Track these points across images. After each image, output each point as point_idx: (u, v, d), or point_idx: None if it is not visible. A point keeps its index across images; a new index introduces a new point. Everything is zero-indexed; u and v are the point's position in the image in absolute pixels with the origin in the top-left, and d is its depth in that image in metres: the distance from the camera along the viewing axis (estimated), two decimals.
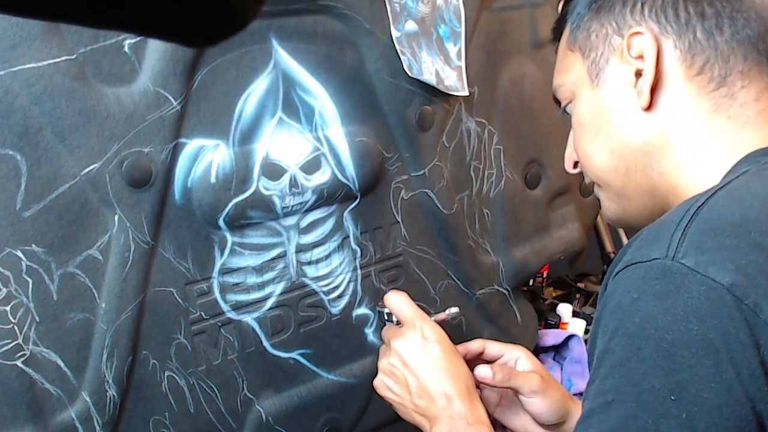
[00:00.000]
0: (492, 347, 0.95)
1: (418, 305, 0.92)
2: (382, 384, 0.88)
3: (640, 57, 0.68)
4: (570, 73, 0.76)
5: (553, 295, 1.64)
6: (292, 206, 0.93)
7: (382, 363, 0.88)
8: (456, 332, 1.17)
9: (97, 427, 0.82)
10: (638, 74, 0.68)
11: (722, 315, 0.50)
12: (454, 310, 0.91)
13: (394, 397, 0.87)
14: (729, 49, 0.66)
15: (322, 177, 0.94)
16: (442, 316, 0.90)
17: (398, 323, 0.93)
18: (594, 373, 0.57)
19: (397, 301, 0.91)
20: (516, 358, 0.93)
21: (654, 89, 0.67)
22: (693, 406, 0.50)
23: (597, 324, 0.60)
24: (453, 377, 0.83)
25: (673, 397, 0.51)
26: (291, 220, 0.94)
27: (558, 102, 0.81)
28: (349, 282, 1.03)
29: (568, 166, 0.83)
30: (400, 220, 1.06)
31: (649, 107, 0.68)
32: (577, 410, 0.89)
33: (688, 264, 0.52)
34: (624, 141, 0.71)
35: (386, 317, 0.95)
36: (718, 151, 0.66)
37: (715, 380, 0.50)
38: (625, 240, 1.65)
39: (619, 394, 0.53)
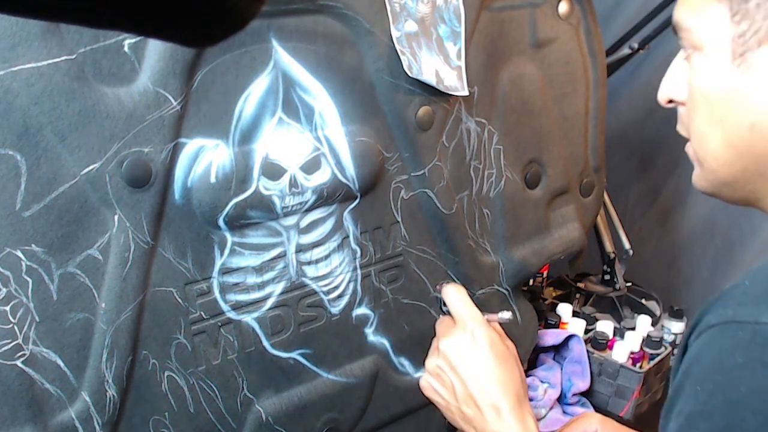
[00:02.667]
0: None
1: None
2: (428, 386, 0.84)
3: None
4: (708, 26, 0.63)
5: (553, 295, 1.64)
6: (292, 206, 0.93)
7: (430, 363, 0.84)
8: None
9: (97, 427, 0.82)
10: None
11: None
12: (507, 315, 0.85)
13: (440, 401, 0.83)
14: None
15: (322, 177, 0.94)
16: (493, 317, 0.84)
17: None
18: (683, 431, 0.54)
19: (452, 296, 0.84)
20: (593, 430, 0.91)
21: None
22: None
23: (685, 377, 0.55)
24: (503, 387, 0.77)
25: None
26: (291, 220, 0.94)
27: (675, 32, 0.69)
28: (349, 282, 1.03)
29: (662, 100, 0.72)
30: (400, 220, 1.06)
31: None
32: None
33: None
34: (750, 142, 0.62)
35: (441, 306, 0.89)
36: None
37: None
38: (625, 240, 1.65)
39: None
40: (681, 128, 0.70)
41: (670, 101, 0.71)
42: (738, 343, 0.51)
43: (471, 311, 0.83)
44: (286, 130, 0.91)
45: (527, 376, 1.41)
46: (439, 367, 0.82)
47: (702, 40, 0.64)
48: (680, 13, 0.66)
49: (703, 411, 0.52)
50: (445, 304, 0.88)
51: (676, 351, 0.67)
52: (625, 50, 1.61)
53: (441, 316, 0.90)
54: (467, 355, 0.79)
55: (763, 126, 0.61)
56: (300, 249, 0.97)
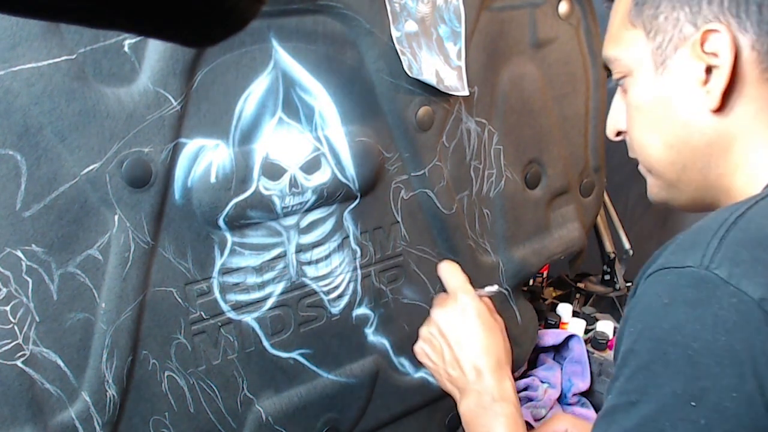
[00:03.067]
0: None
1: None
2: (421, 351, 0.90)
3: (714, 54, 0.63)
4: (629, 50, 0.71)
5: (553, 295, 1.64)
6: (292, 206, 0.93)
7: (423, 331, 0.90)
8: None
9: (97, 427, 0.82)
10: (708, 70, 0.64)
11: (750, 328, 0.51)
12: (494, 288, 0.93)
13: (431, 364, 0.89)
14: None
15: (322, 177, 0.94)
16: (483, 292, 0.91)
17: None
18: (618, 371, 0.58)
19: (446, 271, 0.91)
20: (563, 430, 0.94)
21: (725, 91, 0.64)
22: (713, 414, 0.51)
23: (625, 322, 0.60)
24: (486, 351, 0.84)
25: (693, 403, 0.52)
26: (291, 220, 0.94)
27: (608, 71, 0.76)
28: (349, 282, 1.03)
29: (611, 134, 0.79)
30: (400, 220, 1.06)
31: (718, 109, 0.65)
32: None
33: (721, 275, 0.53)
34: (685, 139, 0.68)
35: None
36: None
37: (737, 390, 0.51)
38: (625, 240, 1.65)
39: (642, 395, 0.54)
40: (632, 153, 0.76)
41: (618, 133, 0.78)
42: (665, 286, 0.56)
43: (462, 284, 0.89)
44: (286, 130, 0.90)
45: (527, 376, 1.41)
46: (431, 333, 0.89)
47: (629, 64, 0.71)
48: (606, 49, 0.74)
49: (633, 349, 0.57)
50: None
51: None
52: None
53: (440, 293, 0.95)
54: (456, 323, 0.87)
55: (693, 121, 0.67)
56: (300, 249, 0.97)
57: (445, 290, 0.92)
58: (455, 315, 0.87)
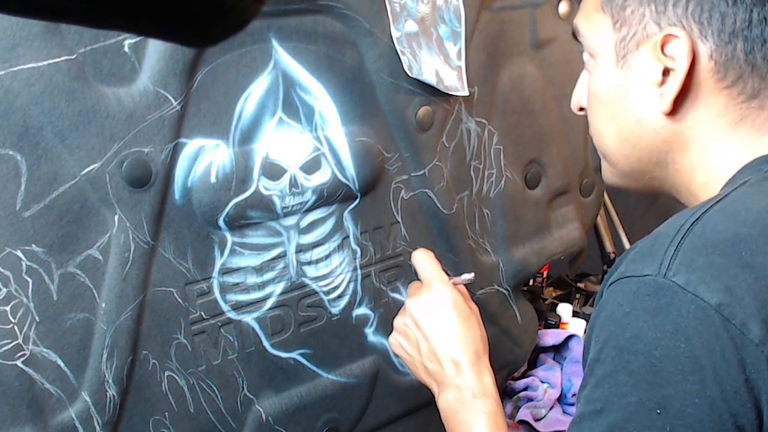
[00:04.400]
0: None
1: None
2: (396, 342, 0.89)
3: (672, 58, 0.64)
4: (596, 35, 0.71)
5: (553, 295, 1.64)
6: (292, 206, 0.93)
7: (397, 321, 0.88)
8: None
9: (97, 427, 0.82)
10: (666, 72, 0.65)
11: (709, 334, 0.52)
12: (470, 276, 0.90)
13: (406, 356, 0.87)
14: (767, 66, 0.63)
15: (322, 177, 0.94)
16: (458, 280, 0.89)
17: None
18: (585, 379, 0.59)
19: (420, 259, 0.89)
20: None
21: (678, 95, 0.65)
22: (677, 420, 0.52)
23: (591, 331, 0.61)
24: (464, 343, 0.82)
25: (658, 411, 0.52)
26: (291, 220, 0.94)
27: (575, 38, 0.76)
28: (349, 282, 1.03)
29: (574, 108, 0.79)
30: (400, 220, 1.06)
31: (670, 113, 0.66)
32: None
33: (678, 282, 0.53)
34: (640, 135, 0.69)
35: (415, 272, 0.93)
36: (735, 159, 0.65)
37: (700, 396, 0.51)
38: (625, 241, 1.65)
39: (608, 404, 0.55)
40: (591, 130, 0.76)
41: (581, 108, 0.78)
42: (626, 295, 0.56)
43: (436, 273, 0.87)
44: (287, 130, 0.91)
45: (527, 376, 1.41)
46: (405, 324, 0.86)
47: (594, 47, 0.71)
48: (578, 20, 0.74)
49: (599, 358, 0.57)
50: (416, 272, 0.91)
51: None
52: None
53: (415, 279, 0.93)
54: (431, 313, 0.84)
55: (648, 120, 0.67)
56: (300, 249, 0.97)
57: (419, 279, 0.90)
58: (430, 305, 0.84)
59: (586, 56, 0.74)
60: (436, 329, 0.83)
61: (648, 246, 0.59)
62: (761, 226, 0.56)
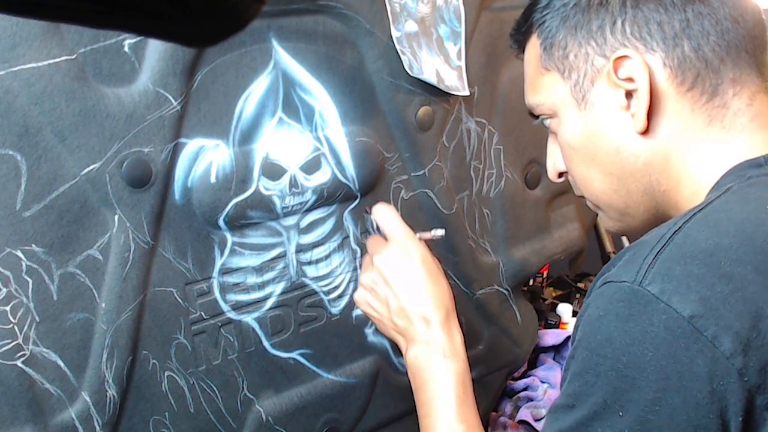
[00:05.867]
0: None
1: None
2: (363, 299, 0.88)
3: (630, 79, 0.65)
4: (549, 93, 0.73)
5: (553, 295, 1.64)
6: (292, 206, 0.93)
7: (364, 277, 0.87)
8: None
9: (97, 427, 0.82)
10: (628, 95, 0.66)
11: (678, 345, 0.52)
12: (440, 231, 0.88)
13: (374, 313, 0.86)
14: (718, 59, 0.65)
15: (322, 177, 0.94)
16: (427, 235, 0.87)
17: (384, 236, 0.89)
18: (564, 373, 0.61)
19: (384, 214, 0.87)
20: None
21: (648, 111, 0.66)
22: (636, 425, 0.53)
23: (575, 329, 0.63)
24: (434, 300, 0.82)
25: (621, 413, 0.54)
26: (291, 220, 0.94)
27: (533, 116, 0.78)
28: (349, 282, 1.03)
29: (553, 177, 0.80)
30: None
31: (645, 131, 0.66)
32: None
33: (652, 291, 0.54)
34: (622, 164, 0.69)
35: (372, 226, 0.91)
36: (715, 164, 0.66)
37: (661, 404, 0.53)
38: (625, 241, 1.65)
39: (577, 401, 0.57)
40: (577, 191, 0.77)
41: (560, 174, 0.79)
42: (603, 299, 0.58)
43: (404, 229, 0.86)
44: (287, 130, 0.91)
45: (527, 376, 1.41)
46: (373, 281, 0.85)
47: (551, 107, 0.73)
48: (527, 99, 0.76)
49: (573, 356, 0.59)
50: (374, 226, 0.90)
51: None
52: None
53: (371, 235, 0.92)
54: (400, 270, 0.83)
55: (625, 147, 0.68)
56: (300, 249, 0.97)
57: (373, 230, 0.89)
58: (398, 260, 0.83)
59: (548, 122, 0.75)
60: (406, 286, 0.82)
61: (631, 253, 0.59)
62: (742, 237, 0.56)
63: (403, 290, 0.83)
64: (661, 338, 0.53)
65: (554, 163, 0.79)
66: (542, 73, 0.73)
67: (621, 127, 0.68)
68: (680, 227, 0.58)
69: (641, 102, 0.65)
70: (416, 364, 0.81)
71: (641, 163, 0.68)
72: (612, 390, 0.54)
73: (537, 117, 0.77)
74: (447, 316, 0.83)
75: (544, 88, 0.73)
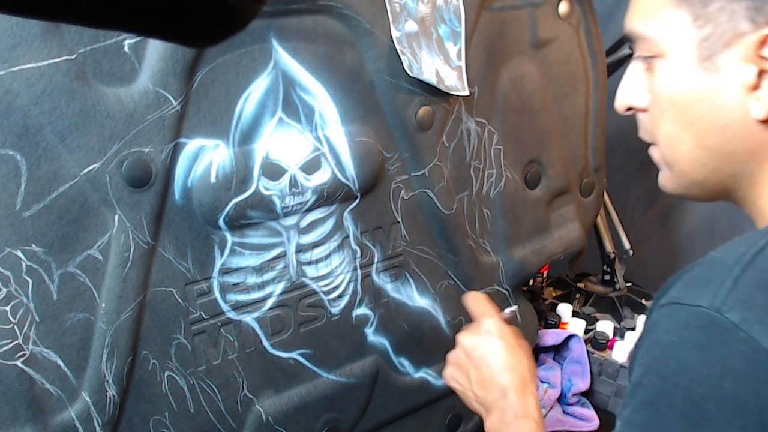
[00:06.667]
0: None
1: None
2: (449, 374, 0.91)
3: None
4: (669, 32, 0.62)
5: (553, 295, 1.64)
6: (292, 206, 0.93)
7: (450, 355, 0.91)
8: (457, 331, 1.17)
9: (97, 427, 0.82)
10: (760, 74, 0.59)
11: (759, 379, 0.49)
12: (513, 308, 0.94)
13: (459, 387, 0.89)
14: None
15: (322, 177, 0.94)
16: (504, 314, 0.93)
17: None
18: (627, 399, 0.57)
19: (471, 299, 0.92)
20: None
21: None
22: None
23: (637, 351, 0.59)
24: (510, 370, 0.84)
25: None
26: (291, 220, 0.94)
27: (629, 40, 0.68)
28: (349, 282, 1.03)
29: (620, 108, 0.71)
30: (400, 220, 1.06)
31: (766, 119, 0.59)
32: None
33: (732, 319, 0.51)
34: (723, 143, 0.62)
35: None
36: None
37: None
38: (625, 240, 1.65)
39: (646, 431, 0.54)
40: (644, 134, 0.70)
41: (629, 108, 0.71)
42: (676, 323, 0.54)
43: (485, 308, 0.89)
44: (286, 130, 0.90)
45: None
46: (457, 357, 0.89)
47: (663, 46, 0.63)
48: (634, 23, 0.66)
49: (641, 382, 0.56)
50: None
51: None
52: (625, 50, 1.61)
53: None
54: (480, 344, 0.86)
55: (735, 126, 0.61)
56: (300, 249, 0.97)
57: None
58: (479, 336, 0.87)
59: (644, 56, 0.66)
60: (485, 358, 0.85)
61: (705, 272, 0.55)
62: None
63: (481, 362, 0.85)
64: (741, 370, 0.50)
65: (630, 95, 0.69)
66: (668, 6, 0.62)
67: (737, 107, 0.60)
68: (761, 249, 0.54)
69: None
70: (491, 429, 0.83)
71: (744, 149, 0.62)
72: (686, 422, 0.51)
73: (629, 44, 0.68)
74: (522, 384, 0.83)
75: (665, 23, 0.63)
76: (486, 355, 0.86)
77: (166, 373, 0.88)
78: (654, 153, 0.70)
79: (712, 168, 0.64)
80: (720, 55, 0.60)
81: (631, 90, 0.69)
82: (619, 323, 1.51)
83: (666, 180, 0.70)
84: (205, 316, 0.90)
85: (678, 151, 0.66)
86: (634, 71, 0.69)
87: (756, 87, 0.59)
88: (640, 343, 0.59)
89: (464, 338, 0.89)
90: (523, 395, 0.82)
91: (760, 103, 0.59)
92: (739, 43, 0.59)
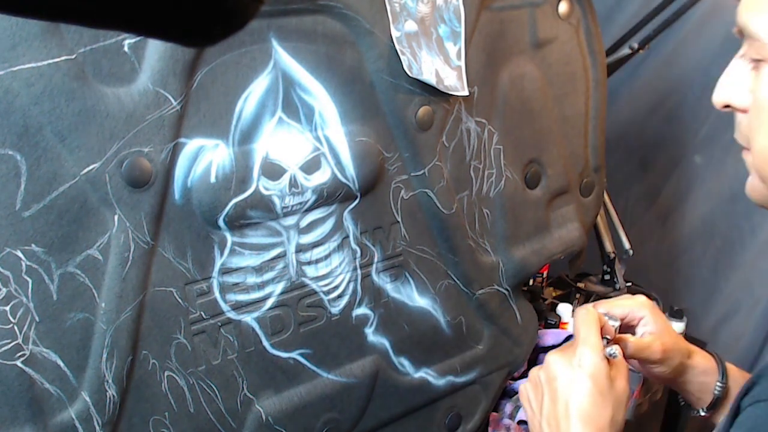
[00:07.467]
0: (616, 311, 0.86)
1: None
2: (525, 392, 0.83)
3: None
4: None
5: (553, 295, 1.64)
6: (292, 206, 0.93)
7: (533, 372, 0.82)
8: (457, 331, 1.17)
9: (97, 427, 0.82)
10: None
11: None
12: (613, 350, 0.80)
13: (529, 410, 0.82)
14: None
15: (321, 177, 0.94)
16: (606, 351, 0.79)
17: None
18: None
19: (580, 317, 0.81)
20: (640, 318, 0.87)
21: None
22: None
23: None
24: (586, 420, 0.73)
25: None
26: (291, 220, 0.94)
27: (740, 34, 0.64)
28: (349, 282, 1.03)
29: (718, 104, 0.67)
30: (400, 219, 1.06)
31: None
32: (700, 362, 0.86)
33: None
34: None
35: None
36: None
37: None
38: (625, 240, 1.64)
39: None
40: (739, 137, 0.66)
41: (727, 106, 0.66)
42: None
43: (590, 335, 0.78)
44: (286, 130, 0.91)
45: (527, 376, 1.40)
46: (539, 377, 0.80)
47: None
48: (749, 18, 0.60)
49: None
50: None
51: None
52: (625, 50, 1.61)
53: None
54: (566, 376, 0.76)
55: None
56: (300, 249, 0.97)
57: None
58: (568, 365, 0.76)
59: (752, 54, 0.62)
60: (564, 395, 0.75)
61: None
62: None
63: (560, 398, 0.75)
64: None
65: (731, 93, 0.65)
66: None
67: None
68: None
69: None
70: None
71: None
72: None
73: (742, 37, 0.63)
74: None
75: None
76: (566, 390, 0.75)
77: (166, 373, 0.88)
78: (747, 158, 0.66)
79: None
80: None
81: (732, 87, 0.65)
82: None
83: (753, 189, 0.67)
84: (205, 316, 0.90)
85: None
86: (739, 68, 0.65)
87: None
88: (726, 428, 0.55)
89: (553, 361, 0.78)
90: None
91: None
92: None
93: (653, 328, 0.86)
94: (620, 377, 0.77)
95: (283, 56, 0.88)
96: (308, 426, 1.04)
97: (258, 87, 0.87)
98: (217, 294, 0.90)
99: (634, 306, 0.87)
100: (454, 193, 1.10)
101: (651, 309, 0.87)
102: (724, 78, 0.66)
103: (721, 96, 0.66)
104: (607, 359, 0.77)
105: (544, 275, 1.66)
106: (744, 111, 0.64)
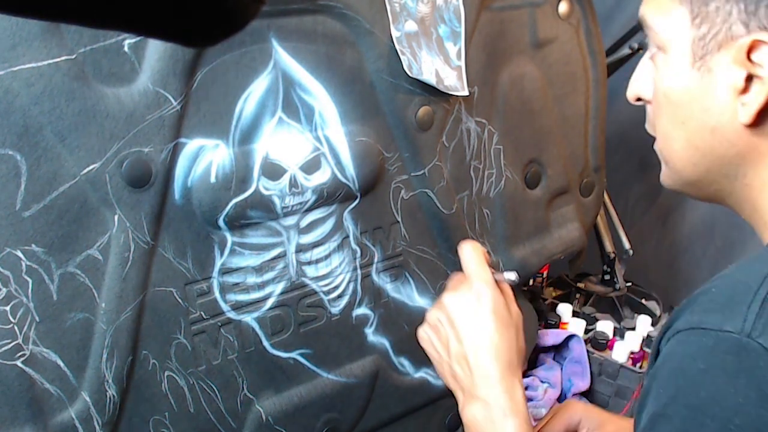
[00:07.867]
0: (555, 430, 0.89)
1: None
2: (426, 337, 0.82)
3: (760, 65, 0.57)
4: (669, 28, 0.62)
5: (553, 295, 1.64)
6: (292, 206, 0.93)
7: (430, 315, 0.81)
8: None
9: (97, 427, 0.82)
10: (750, 79, 0.58)
11: None
12: (512, 276, 0.81)
13: (434, 354, 0.81)
14: None
15: (321, 177, 0.94)
16: (500, 277, 0.81)
17: None
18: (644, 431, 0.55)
19: (467, 252, 0.81)
20: (577, 422, 0.88)
21: (764, 106, 0.58)
22: None
23: (652, 380, 0.57)
24: (497, 353, 0.75)
25: None
26: (291, 220, 0.94)
27: (641, 27, 0.68)
28: (349, 282, 1.03)
29: (631, 98, 0.71)
30: (400, 220, 1.06)
31: (752, 124, 0.59)
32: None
33: (765, 344, 0.49)
34: (713, 145, 0.62)
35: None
36: None
37: None
38: (625, 240, 1.65)
39: None
40: (648, 127, 0.70)
41: (638, 99, 0.71)
42: (701, 350, 0.52)
43: (480, 270, 0.79)
44: (286, 130, 0.91)
45: (527, 376, 1.41)
46: (438, 319, 0.80)
47: (665, 40, 0.63)
48: (646, 10, 0.66)
49: (664, 414, 0.53)
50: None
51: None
52: (625, 50, 1.61)
53: (455, 272, 0.87)
54: (467, 313, 0.77)
55: (724, 130, 0.61)
56: (300, 249, 0.97)
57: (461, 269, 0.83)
58: (468, 303, 0.77)
59: (652, 48, 0.66)
60: (471, 331, 0.76)
61: (725, 295, 0.54)
62: None
63: (466, 336, 0.76)
64: None
65: (639, 86, 0.70)
66: (674, 2, 0.62)
67: (726, 110, 0.60)
68: None
69: (760, 95, 0.57)
70: (475, 424, 0.75)
71: (734, 152, 0.61)
72: None
73: (644, 31, 0.68)
74: (510, 370, 0.76)
75: (667, 18, 0.63)
76: (472, 327, 0.76)
77: (166, 373, 0.88)
78: (657, 151, 0.70)
79: (704, 168, 0.64)
80: (713, 57, 0.60)
81: (640, 81, 0.70)
82: (619, 323, 1.51)
83: (664, 176, 0.70)
84: (205, 316, 0.90)
85: (672, 149, 0.66)
86: (644, 62, 0.69)
87: (744, 91, 0.59)
88: (655, 373, 0.56)
89: (450, 300, 0.79)
90: (510, 386, 0.75)
91: (745, 108, 0.59)
92: (732, 46, 0.58)
93: (594, 423, 0.87)
94: (512, 303, 0.79)
95: (283, 56, 0.88)
96: (308, 426, 1.04)
97: (258, 87, 0.87)
98: (217, 294, 0.90)
99: (566, 416, 0.89)
100: (454, 193, 1.10)
101: (583, 409, 0.89)
102: (635, 74, 0.70)
103: (632, 90, 0.71)
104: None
105: (544, 275, 1.66)
106: (650, 102, 0.69)
